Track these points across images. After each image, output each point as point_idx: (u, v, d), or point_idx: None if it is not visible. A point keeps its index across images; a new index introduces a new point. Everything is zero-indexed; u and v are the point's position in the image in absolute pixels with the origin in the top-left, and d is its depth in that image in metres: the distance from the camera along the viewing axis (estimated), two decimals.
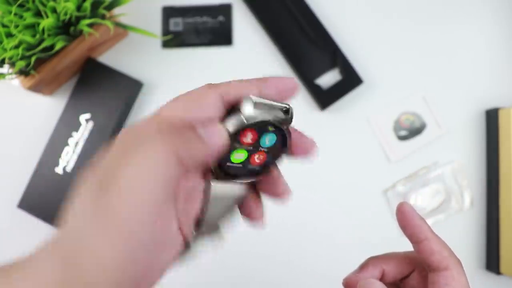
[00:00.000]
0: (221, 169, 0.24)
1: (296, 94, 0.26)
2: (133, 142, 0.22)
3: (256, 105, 0.23)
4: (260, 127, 0.24)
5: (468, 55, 0.62)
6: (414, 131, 0.61)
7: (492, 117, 0.59)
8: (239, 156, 0.25)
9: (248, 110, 0.23)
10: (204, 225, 0.26)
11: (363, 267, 0.31)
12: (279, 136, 0.25)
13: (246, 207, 0.27)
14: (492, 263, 0.57)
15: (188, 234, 0.25)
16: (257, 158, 0.25)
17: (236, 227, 0.58)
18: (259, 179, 0.26)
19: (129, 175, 0.21)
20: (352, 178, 0.60)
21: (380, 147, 0.61)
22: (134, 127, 0.23)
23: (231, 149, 0.24)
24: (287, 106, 0.25)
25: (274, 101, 0.24)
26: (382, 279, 0.30)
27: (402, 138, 0.61)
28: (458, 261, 0.28)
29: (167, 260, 0.24)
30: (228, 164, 0.25)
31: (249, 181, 0.26)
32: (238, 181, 0.26)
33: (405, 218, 0.29)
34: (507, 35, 0.63)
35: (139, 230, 0.21)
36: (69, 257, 0.20)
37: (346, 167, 0.60)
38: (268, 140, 0.25)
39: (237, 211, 0.28)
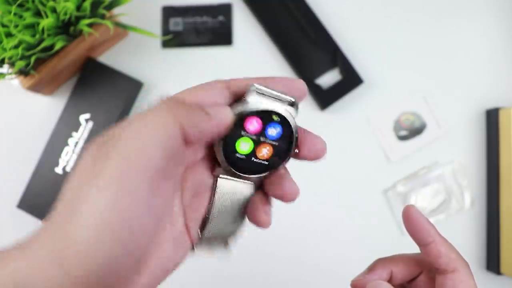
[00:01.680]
0: (227, 160, 0.24)
1: (305, 97, 0.26)
2: (139, 114, 0.22)
3: (260, 93, 0.24)
4: (264, 116, 0.24)
5: (468, 55, 0.62)
6: (414, 131, 0.61)
7: (492, 117, 0.59)
8: (244, 146, 0.25)
9: (252, 97, 0.24)
10: (210, 227, 0.26)
11: (371, 269, 0.30)
12: (285, 128, 0.25)
13: (253, 209, 0.26)
14: (492, 263, 0.57)
15: (194, 234, 0.25)
16: (263, 151, 0.25)
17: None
18: (265, 175, 0.26)
19: (129, 137, 0.20)
20: (352, 178, 0.60)
21: (380, 147, 0.61)
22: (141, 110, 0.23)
23: (236, 137, 0.24)
24: (292, 100, 0.25)
25: (279, 93, 0.25)
26: (390, 281, 0.30)
27: (402, 138, 0.61)
28: (466, 263, 0.28)
29: (174, 257, 0.24)
30: (233, 154, 0.25)
31: (255, 176, 0.26)
32: (244, 175, 0.25)
33: (412, 222, 0.29)
34: (507, 35, 0.62)
35: (136, 187, 0.20)
36: (60, 226, 0.19)
37: (346, 167, 0.60)
38: (273, 131, 0.25)
39: (245, 218, 0.27)
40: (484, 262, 0.59)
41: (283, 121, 0.25)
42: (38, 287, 0.18)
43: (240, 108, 0.24)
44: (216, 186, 0.25)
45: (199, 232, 0.26)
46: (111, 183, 0.19)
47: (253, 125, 0.24)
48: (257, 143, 0.25)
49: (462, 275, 0.27)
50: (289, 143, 0.25)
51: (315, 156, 0.26)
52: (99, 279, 0.19)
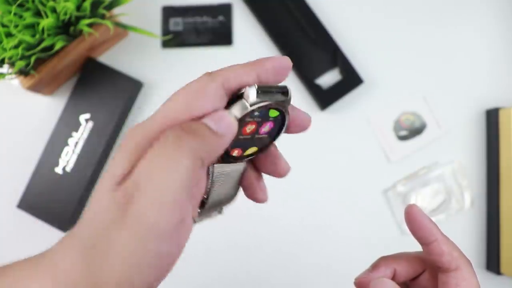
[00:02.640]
0: (225, 153, 0.26)
1: (289, 72, 0.27)
2: (151, 148, 0.22)
3: (258, 92, 0.25)
4: (263, 111, 0.26)
5: (468, 55, 0.62)
6: (414, 131, 0.61)
7: (492, 117, 0.59)
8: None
9: (252, 97, 0.25)
10: (208, 204, 0.27)
11: (375, 266, 0.31)
12: (278, 116, 0.27)
13: (248, 185, 0.28)
14: (492, 263, 0.57)
15: (195, 214, 0.26)
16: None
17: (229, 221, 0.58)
18: (257, 156, 0.28)
19: (155, 179, 0.21)
20: (352, 178, 0.60)
21: (380, 147, 0.61)
22: (142, 128, 0.23)
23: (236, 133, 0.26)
24: (286, 89, 0.26)
25: (273, 85, 0.26)
26: (393, 279, 0.30)
27: (402, 138, 0.61)
28: (468, 261, 0.28)
29: (183, 245, 0.25)
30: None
31: (248, 158, 0.27)
32: (238, 161, 0.27)
33: (414, 221, 0.29)
34: (507, 35, 0.63)
35: (164, 228, 0.21)
36: (92, 249, 0.20)
37: (346, 167, 0.60)
38: (269, 124, 0.26)
39: (239, 188, 0.29)
40: (484, 262, 0.59)
41: (280, 115, 0.26)
42: None
43: (240, 109, 0.25)
44: (211, 173, 0.26)
45: (199, 211, 0.27)
46: (139, 228, 0.20)
47: (251, 126, 0.26)
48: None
49: (465, 273, 0.28)
50: (281, 126, 0.27)
51: (301, 130, 0.27)
52: None
